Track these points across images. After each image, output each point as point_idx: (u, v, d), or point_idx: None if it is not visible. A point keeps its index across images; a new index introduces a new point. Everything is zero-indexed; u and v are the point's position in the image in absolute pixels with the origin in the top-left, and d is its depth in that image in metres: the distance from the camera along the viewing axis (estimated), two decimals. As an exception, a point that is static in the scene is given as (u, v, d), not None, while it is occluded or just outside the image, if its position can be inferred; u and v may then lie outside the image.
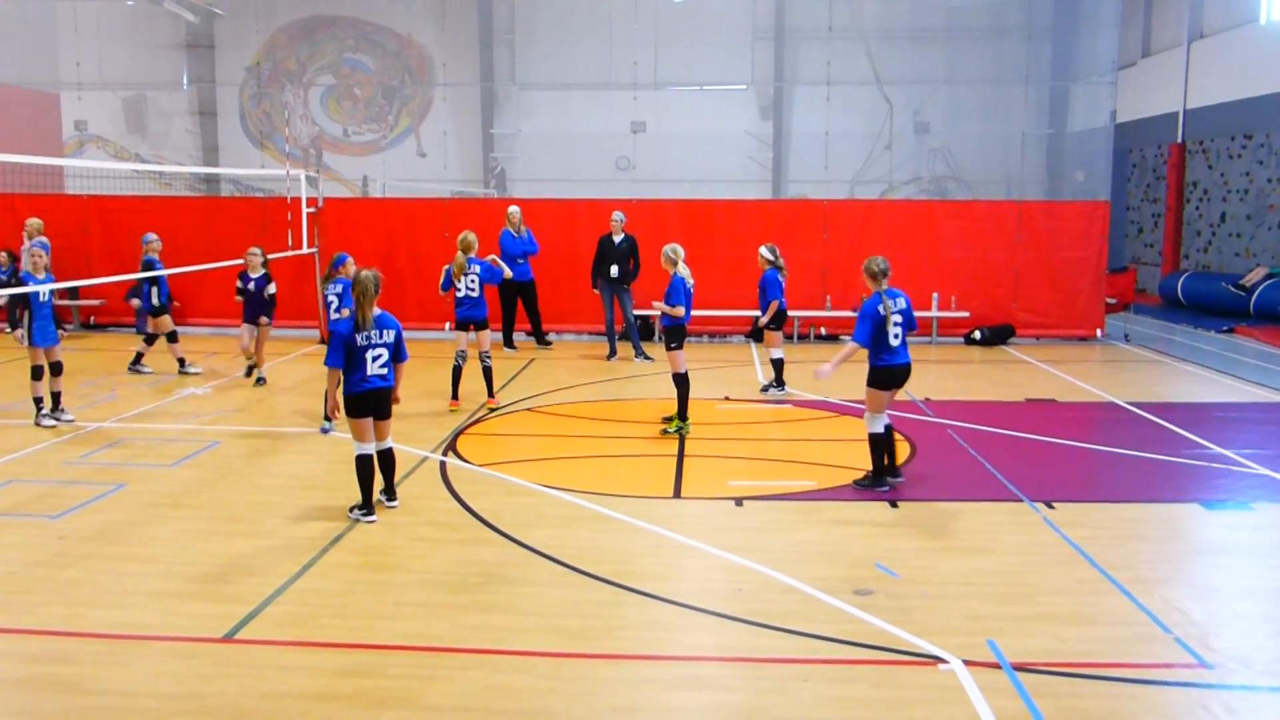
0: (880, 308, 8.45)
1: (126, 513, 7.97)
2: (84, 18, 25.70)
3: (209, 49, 27.05)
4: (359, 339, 7.67)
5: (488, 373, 11.95)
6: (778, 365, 12.77)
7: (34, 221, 15.83)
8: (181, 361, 13.90)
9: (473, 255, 11.83)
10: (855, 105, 24.92)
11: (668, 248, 10.76)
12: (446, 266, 11.76)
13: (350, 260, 11.03)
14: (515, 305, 16.16)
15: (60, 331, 11.05)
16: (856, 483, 8.77)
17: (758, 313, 12.72)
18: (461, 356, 11.83)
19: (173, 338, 13.82)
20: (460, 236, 11.94)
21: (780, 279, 12.58)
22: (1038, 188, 24.64)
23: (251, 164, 25.98)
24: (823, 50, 24.87)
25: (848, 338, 17.81)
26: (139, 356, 13.96)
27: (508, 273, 13.07)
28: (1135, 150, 27.16)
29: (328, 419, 10.25)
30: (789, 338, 17.54)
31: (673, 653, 5.74)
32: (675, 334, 10.68)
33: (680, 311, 10.56)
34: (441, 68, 26.60)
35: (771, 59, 25.78)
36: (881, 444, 8.63)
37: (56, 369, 10.91)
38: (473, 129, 26.66)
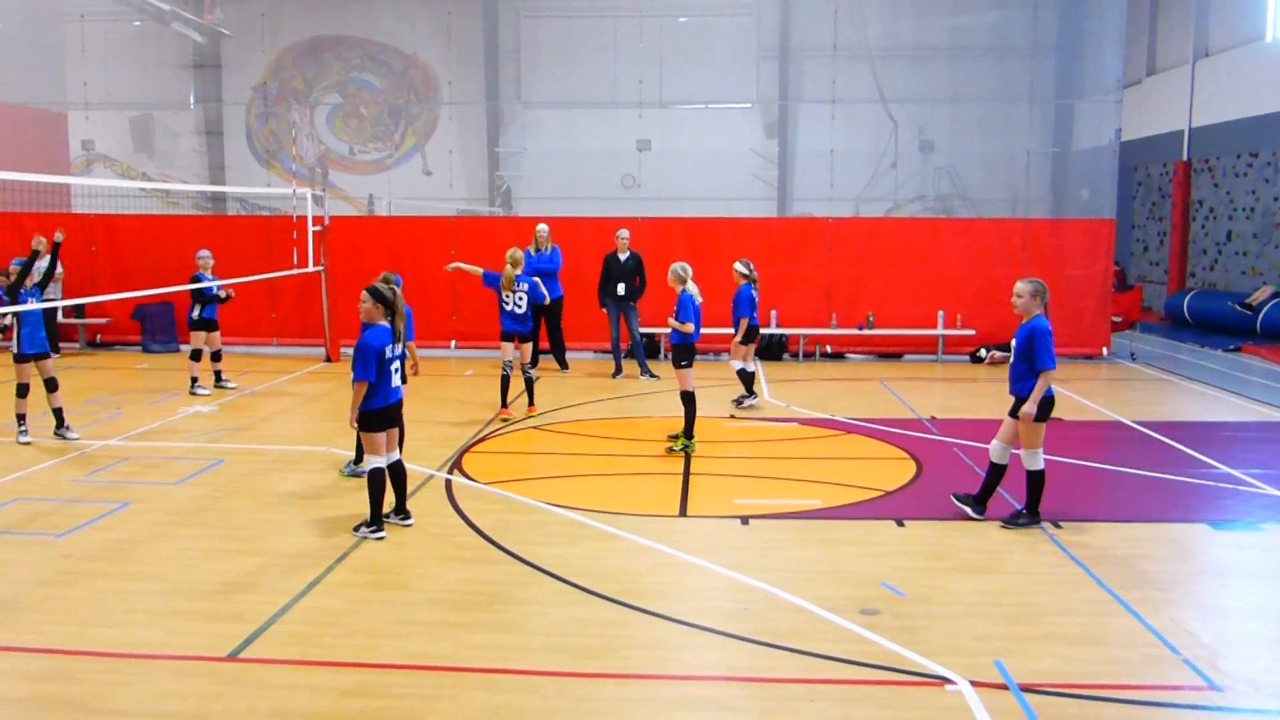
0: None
1: (131, 531, 7.96)
2: (91, 38, 25.84)
3: (216, 69, 27.17)
4: (386, 352, 7.70)
5: (529, 383, 12.53)
6: (746, 378, 12.99)
7: (40, 239, 15.90)
8: (218, 375, 14.14)
9: (520, 273, 12.23)
10: (860, 123, 24.96)
11: (676, 266, 10.80)
12: (498, 273, 12.29)
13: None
14: (539, 324, 15.98)
15: (54, 355, 11.02)
16: (1005, 521, 8.18)
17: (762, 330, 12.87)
18: (508, 367, 12.32)
19: (215, 356, 14.01)
20: (509, 253, 12.35)
21: (754, 295, 12.78)
22: (1043, 206, 24.63)
23: (258, 183, 26.05)
24: (827, 69, 24.92)
25: (855, 356, 17.94)
26: (218, 375, 14.16)
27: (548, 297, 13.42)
28: (1141, 168, 27.15)
29: (357, 462, 9.43)
30: (793, 355, 17.55)
31: (678, 672, 5.71)
32: (684, 352, 10.67)
33: (690, 328, 10.58)
34: (447, 86, 26.68)
35: (776, 77, 25.83)
36: (1043, 480, 8.10)
37: (51, 385, 10.92)
38: (478, 147, 26.72)
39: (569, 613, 6.43)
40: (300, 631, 6.10)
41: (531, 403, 12.59)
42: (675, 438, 10.71)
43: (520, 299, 12.15)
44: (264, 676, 5.54)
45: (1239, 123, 21.90)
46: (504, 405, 12.42)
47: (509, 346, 12.28)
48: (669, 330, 10.84)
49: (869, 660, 5.74)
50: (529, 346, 12.42)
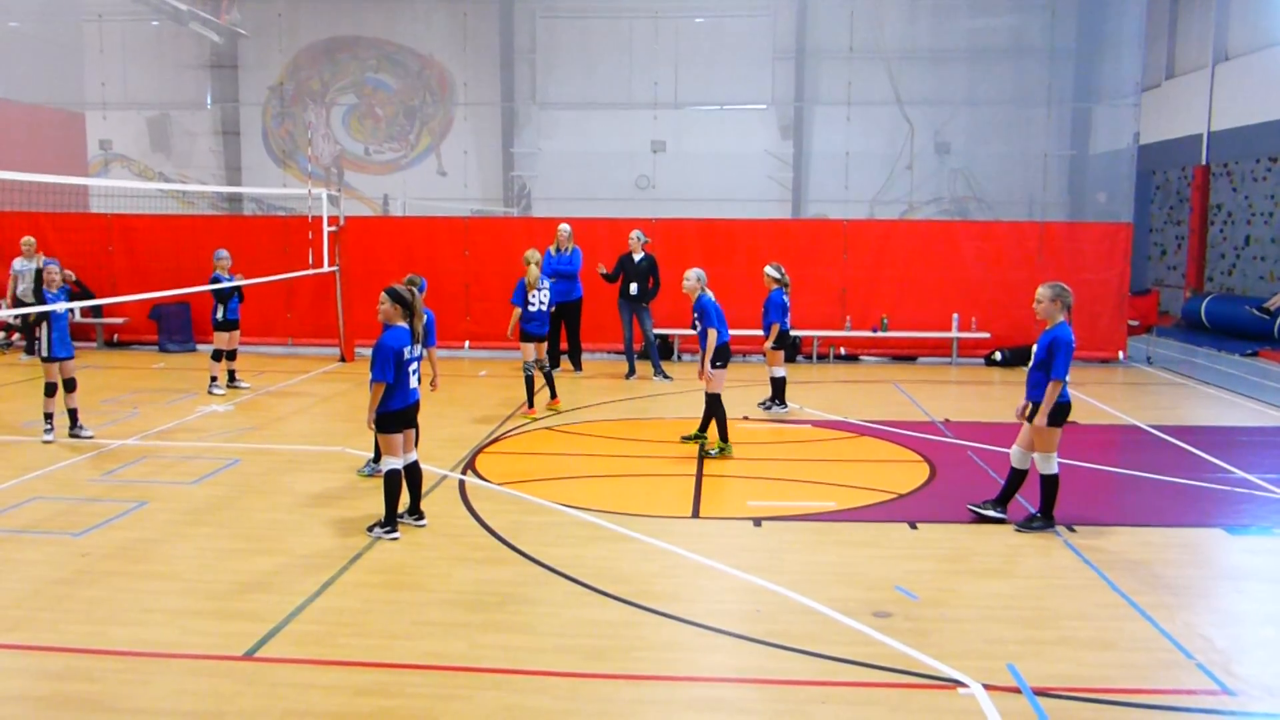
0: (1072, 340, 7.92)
1: (148, 530, 8.01)
2: (109, 38, 26.01)
3: (233, 69, 27.30)
4: (405, 353, 7.74)
5: (548, 377, 12.70)
6: (778, 384, 12.80)
7: (28, 240, 15.99)
8: (231, 374, 14.20)
9: (540, 271, 12.41)
10: (876, 125, 24.92)
11: (690, 273, 10.74)
12: (520, 279, 12.40)
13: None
14: (558, 326, 15.78)
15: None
16: (1020, 525, 8.15)
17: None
18: (529, 367, 12.43)
19: (230, 356, 14.05)
20: (527, 254, 12.53)
21: (785, 299, 12.59)
22: (1059, 209, 24.53)
23: (274, 183, 26.16)
24: (843, 70, 24.90)
25: (869, 358, 17.90)
26: (232, 375, 14.21)
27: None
28: (1159, 172, 27.04)
29: (376, 460, 9.24)
30: (806, 357, 17.53)
31: (691, 674, 5.73)
32: (719, 354, 10.61)
33: (713, 336, 10.48)
34: (462, 87, 26.74)
35: (792, 79, 25.81)
36: (1057, 485, 8.09)
37: (71, 385, 11.04)
38: (493, 148, 26.77)
39: (582, 614, 6.45)
40: (315, 631, 6.13)
41: (554, 396, 12.75)
42: (692, 438, 10.71)
43: (544, 296, 12.32)
44: (279, 676, 5.57)
45: (1258, 127, 21.76)
46: (530, 405, 12.52)
47: (529, 348, 12.33)
48: (691, 331, 10.78)
49: (881, 663, 5.74)
50: (543, 346, 12.48)
